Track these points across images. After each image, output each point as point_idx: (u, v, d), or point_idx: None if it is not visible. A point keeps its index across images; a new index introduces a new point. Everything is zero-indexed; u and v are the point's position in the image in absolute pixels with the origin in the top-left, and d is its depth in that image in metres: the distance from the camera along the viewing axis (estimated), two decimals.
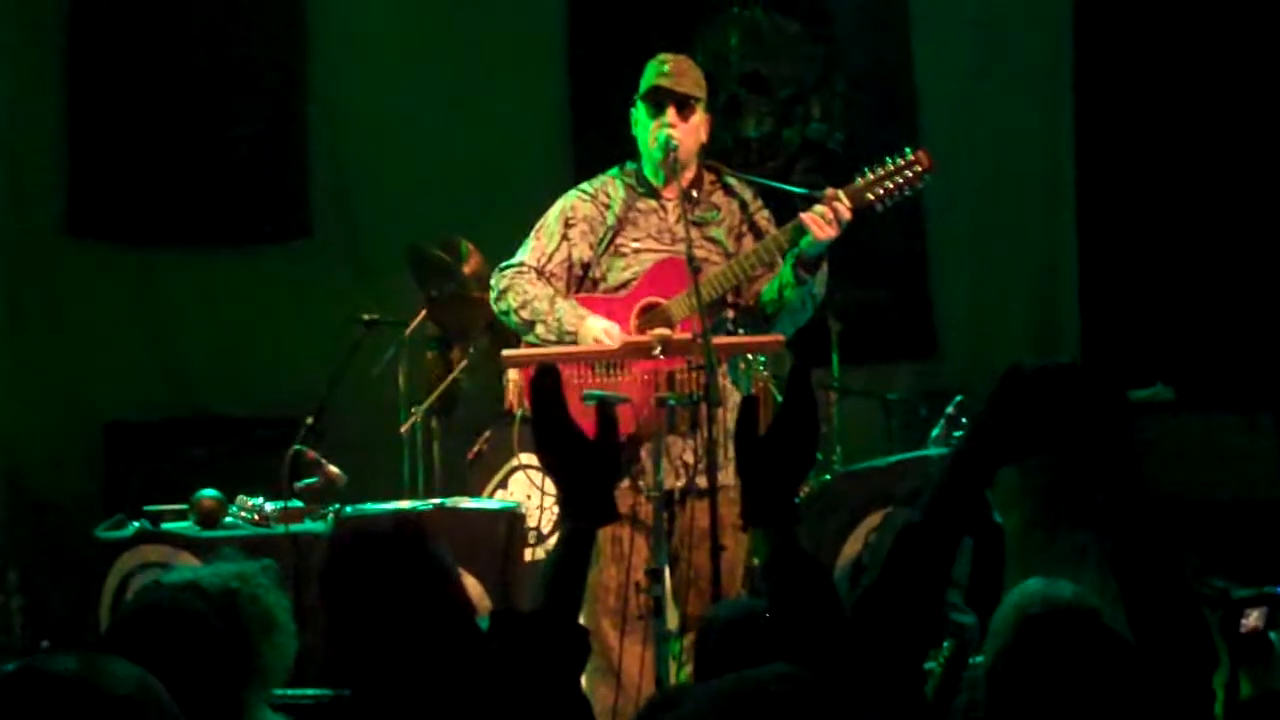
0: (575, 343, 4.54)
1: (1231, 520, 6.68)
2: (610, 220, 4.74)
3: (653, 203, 4.78)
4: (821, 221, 4.48)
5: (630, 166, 4.84)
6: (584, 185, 4.87)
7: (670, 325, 4.57)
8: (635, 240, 4.74)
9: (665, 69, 4.70)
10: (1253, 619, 3.29)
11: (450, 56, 7.72)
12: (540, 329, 4.62)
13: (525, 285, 4.69)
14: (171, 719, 1.79)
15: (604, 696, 4.40)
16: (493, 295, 4.79)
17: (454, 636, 2.52)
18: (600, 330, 4.53)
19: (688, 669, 4.36)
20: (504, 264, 4.82)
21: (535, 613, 2.23)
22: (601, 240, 4.75)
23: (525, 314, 4.65)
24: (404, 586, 2.51)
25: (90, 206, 7.50)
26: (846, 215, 4.50)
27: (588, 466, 2.32)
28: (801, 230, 4.53)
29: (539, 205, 4.94)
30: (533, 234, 4.82)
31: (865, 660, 2.19)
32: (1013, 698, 2.26)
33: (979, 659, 2.60)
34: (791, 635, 2.18)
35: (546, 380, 2.34)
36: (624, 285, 4.70)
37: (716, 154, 5.07)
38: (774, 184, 5.03)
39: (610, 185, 4.83)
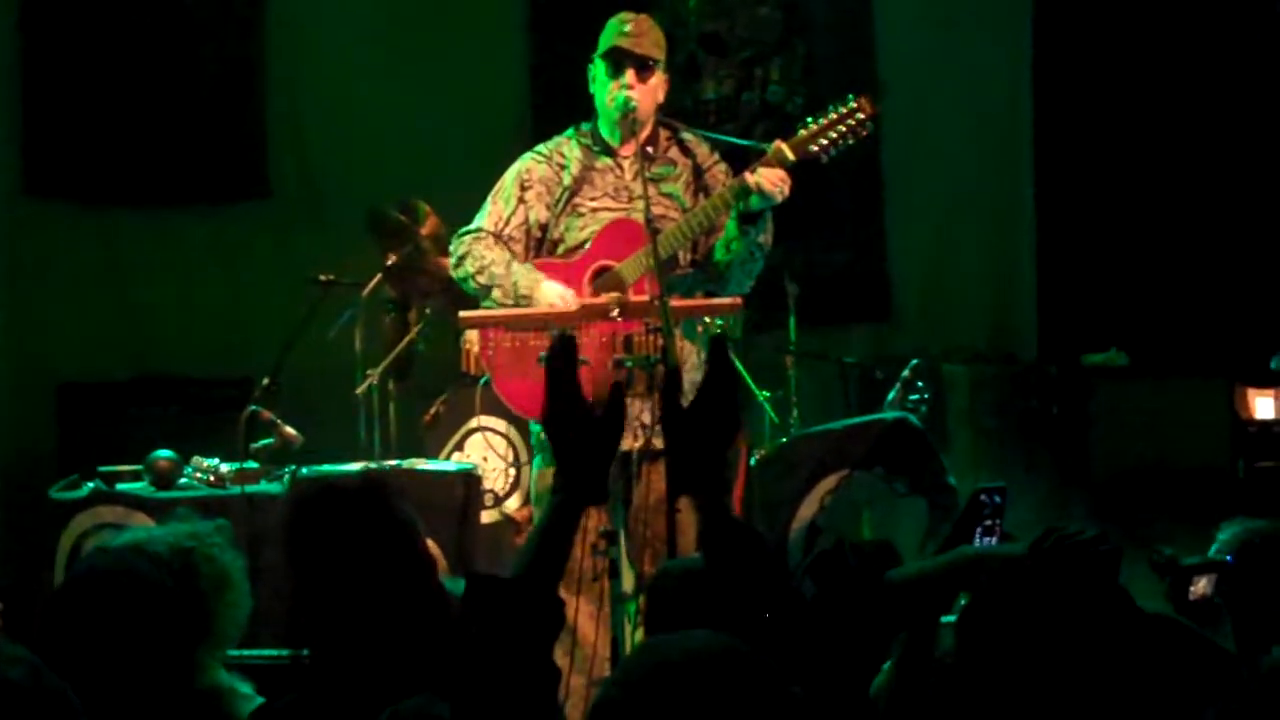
0: (531, 307, 4.55)
1: (1181, 486, 6.73)
2: (566, 181, 4.75)
3: (608, 161, 4.78)
4: (772, 186, 4.49)
5: (585, 127, 4.84)
6: (539, 147, 4.87)
7: (623, 288, 4.58)
8: (592, 199, 4.74)
9: (626, 29, 4.69)
10: (1200, 586, 3.30)
11: (411, 15, 7.68)
12: (496, 294, 4.63)
13: (482, 250, 4.69)
14: (61, 704, 1.78)
15: (558, 658, 4.41)
16: (451, 261, 4.80)
17: (417, 595, 2.52)
18: (555, 296, 4.54)
19: (642, 630, 4.38)
20: (462, 230, 4.82)
21: (514, 579, 2.24)
22: (558, 201, 4.75)
23: (482, 279, 4.66)
24: (369, 543, 2.51)
25: (47, 166, 7.44)
26: (787, 177, 4.52)
27: (589, 445, 2.32)
28: (745, 190, 4.53)
29: (499, 168, 4.93)
30: (489, 198, 4.81)
31: (802, 625, 2.22)
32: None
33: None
34: (728, 601, 2.21)
35: (561, 353, 2.33)
36: (581, 245, 4.70)
37: (675, 115, 5.06)
38: (724, 138, 5.05)
39: (565, 146, 4.83)
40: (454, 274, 4.80)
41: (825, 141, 4.60)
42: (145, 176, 7.49)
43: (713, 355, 2.34)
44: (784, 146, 4.55)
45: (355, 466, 5.65)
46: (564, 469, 2.31)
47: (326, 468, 5.56)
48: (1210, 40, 7.72)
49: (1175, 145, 7.75)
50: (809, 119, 4.65)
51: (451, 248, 4.82)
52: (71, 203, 7.44)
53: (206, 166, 7.56)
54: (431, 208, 6.45)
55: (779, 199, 4.52)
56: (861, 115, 4.61)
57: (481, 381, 4.83)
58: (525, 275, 4.60)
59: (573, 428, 2.31)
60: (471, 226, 4.79)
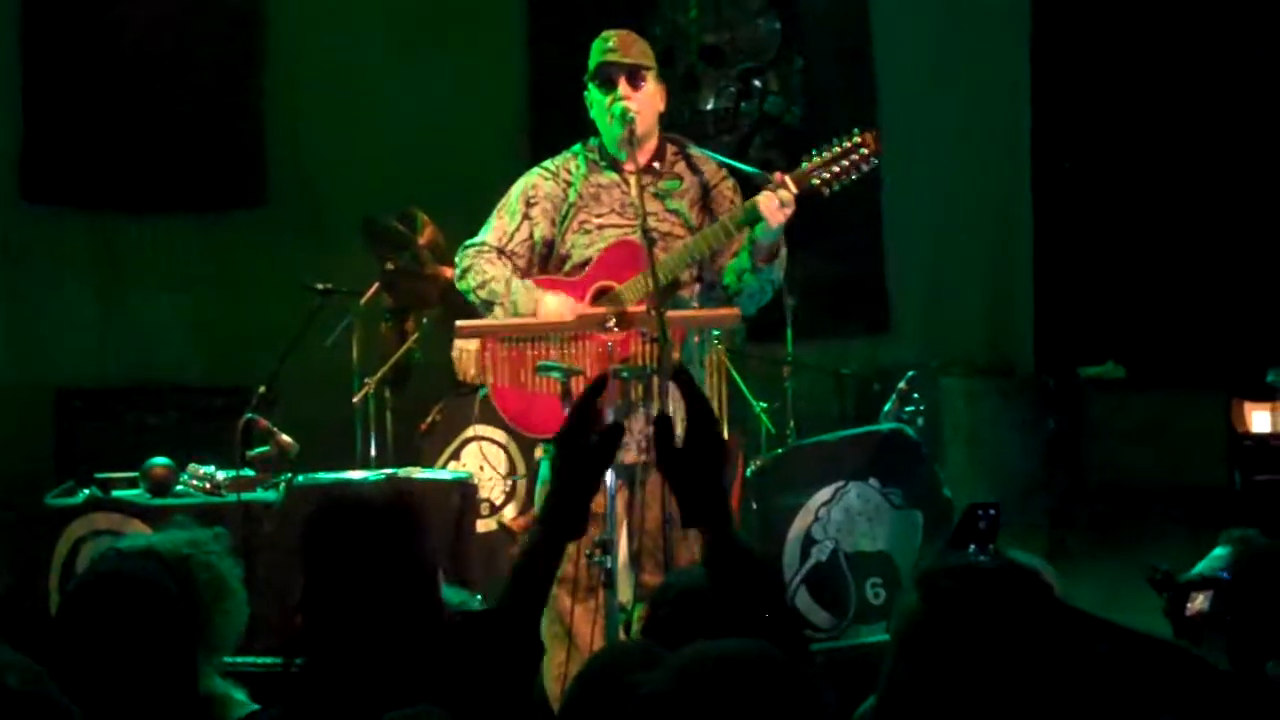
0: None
1: (1178, 499, 6.73)
2: (572, 197, 4.74)
3: (614, 176, 4.77)
4: (774, 208, 4.48)
5: (593, 142, 4.84)
6: (545, 163, 4.86)
7: (623, 310, 4.58)
8: (599, 216, 4.73)
9: (610, 44, 4.70)
10: (1198, 602, 3.28)
11: (409, 27, 7.70)
12: (497, 310, 4.63)
13: (484, 265, 4.69)
14: (58, 710, 1.78)
15: (558, 658, 4.42)
16: (456, 274, 4.80)
17: (420, 607, 2.52)
18: (554, 314, 4.53)
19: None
20: (467, 243, 4.81)
21: (494, 612, 2.24)
22: (564, 217, 4.74)
23: (483, 294, 4.67)
24: (391, 557, 2.50)
25: (45, 172, 7.45)
26: (790, 203, 4.50)
27: (585, 483, 2.34)
28: (755, 213, 4.52)
29: (496, 178, 4.92)
30: (495, 213, 4.81)
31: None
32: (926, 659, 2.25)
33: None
34: (735, 626, 2.21)
35: (593, 394, 2.36)
36: (587, 263, 4.69)
37: (675, 127, 5.07)
38: (728, 161, 5.02)
39: (572, 162, 4.82)
40: (458, 286, 4.81)
41: (828, 175, 4.59)
42: (143, 183, 7.51)
43: (682, 388, 2.37)
44: (786, 179, 4.54)
45: (356, 475, 5.64)
46: (553, 503, 2.32)
47: (323, 476, 5.56)
48: (1207, 57, 7.73)
49: (1173, 159, 7.76)
50: (814, 151, 4.63)
51: (456, 260, 4.82)
52: (69, 209, 7.46)
53: (204, 174, 7.58)
54: (429, 217, 6.45)
55: (779, 222, 4.51)
56: (865, 150, 4.60)
57: (480, 393, 4.82)
58: (525, 295, 4.59)
59: (576, 467, 2.33)
60: (476, 240, 4.79)
